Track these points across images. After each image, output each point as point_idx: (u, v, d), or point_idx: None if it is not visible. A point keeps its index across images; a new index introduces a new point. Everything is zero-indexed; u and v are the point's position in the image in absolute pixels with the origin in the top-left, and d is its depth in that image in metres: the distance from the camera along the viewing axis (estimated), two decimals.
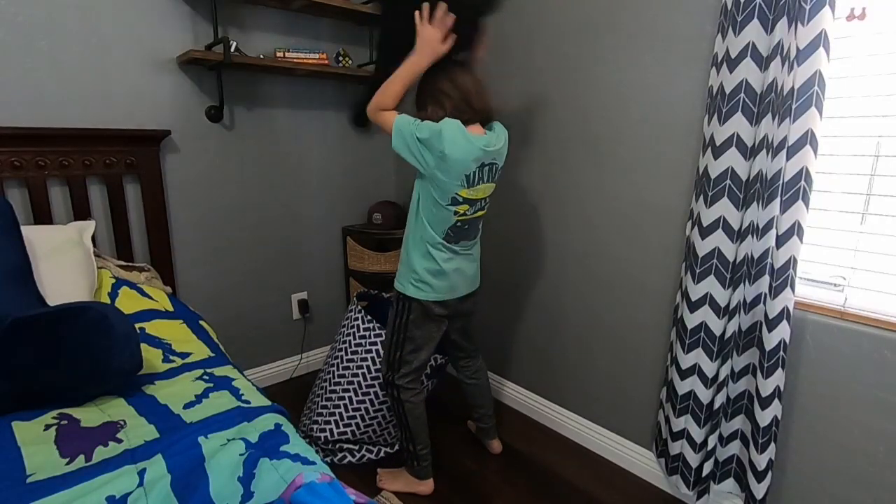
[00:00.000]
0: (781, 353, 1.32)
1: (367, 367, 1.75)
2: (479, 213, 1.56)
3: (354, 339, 1.79)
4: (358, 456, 1.82)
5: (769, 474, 1.39)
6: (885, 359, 1.23)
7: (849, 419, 1.31)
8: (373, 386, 1.75)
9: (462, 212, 1.48)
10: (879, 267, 1.27)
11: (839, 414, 1.33)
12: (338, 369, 1.80)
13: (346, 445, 1.81)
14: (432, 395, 1.90)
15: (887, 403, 1.24)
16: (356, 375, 1.76)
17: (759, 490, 1.39)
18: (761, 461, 1.38)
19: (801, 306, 1.37)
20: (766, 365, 1.33)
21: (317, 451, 1.75)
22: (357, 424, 1.77)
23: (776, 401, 1.34)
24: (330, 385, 1.81)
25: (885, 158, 1.24)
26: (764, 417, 1.35)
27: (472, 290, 1.66)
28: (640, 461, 1.81)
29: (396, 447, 1.89)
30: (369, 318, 1.79)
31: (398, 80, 1.44)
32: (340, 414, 1.77)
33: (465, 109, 1.43)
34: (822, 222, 1.35)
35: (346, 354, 1.79)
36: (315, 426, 1.80)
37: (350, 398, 1.76)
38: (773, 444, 1.37)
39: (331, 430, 1.77)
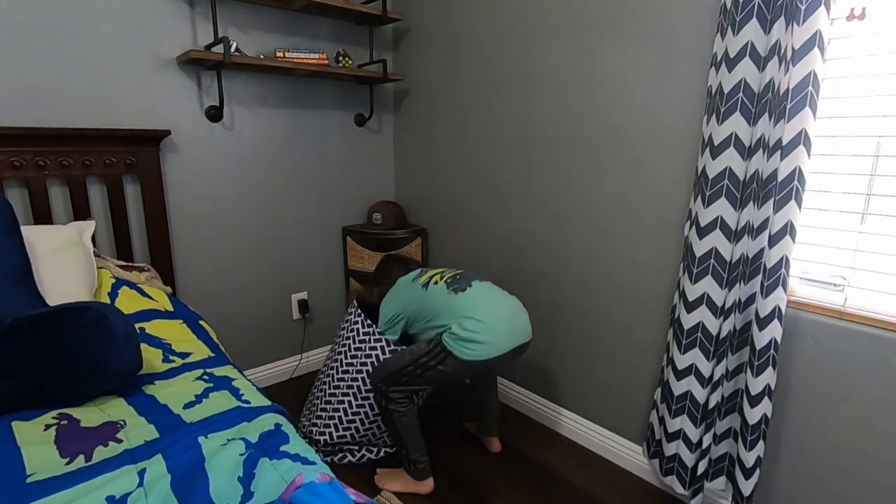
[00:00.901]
0: (772, 351, 1.32)
1: (367, 371, 1.74)
2: (455, 271, 1.71)
3: (354, 342, 1.79)
4: (358, 455, 1.83)
5: (757, 471, 1.40)
6: (886, 359, 1.23)
7: (849, 419, 1.31)
8: (367, 398, 1.75)
9: (437, 280, 1.66)
10: (879, 267, 1.27)
11: (839, 413, 1.33)
12: (337, 372, 1.80)
13: (346, 447, 1.82)
14: (430, 394, 1.90)
15: (888, 403, 1.24)
16: (356, 379, 1.75)
17: (746, 487, 1.40)
18: (749, 458, 1.38)
19: (801, 306, 1.37)
20: (756, 363, 1.33)
21: (316, 452, 1.75)
22: (357, 428, 1.77)
23: (766, 399, 1.35)
24: (329, 388, 1.81)
25: (885, 158, 1.24)
26: (753, 415, 1.36)
27: (524, 342, 1.58)
28: (638, 460, 1.81)
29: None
30: (369, 322, 1.79)
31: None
32: (340, 417, 1.76)
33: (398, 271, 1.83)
34: (822, 222, 1.35)
35: (346, 357, 1.79)
36: (314, 429, 1.80)
37: (350, 402, 1.75)
38: (761, 442, 1.38)
39: (330, 433, 1.77)
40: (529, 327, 1.62)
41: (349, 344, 1.80)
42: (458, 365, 1.49)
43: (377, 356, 1.74)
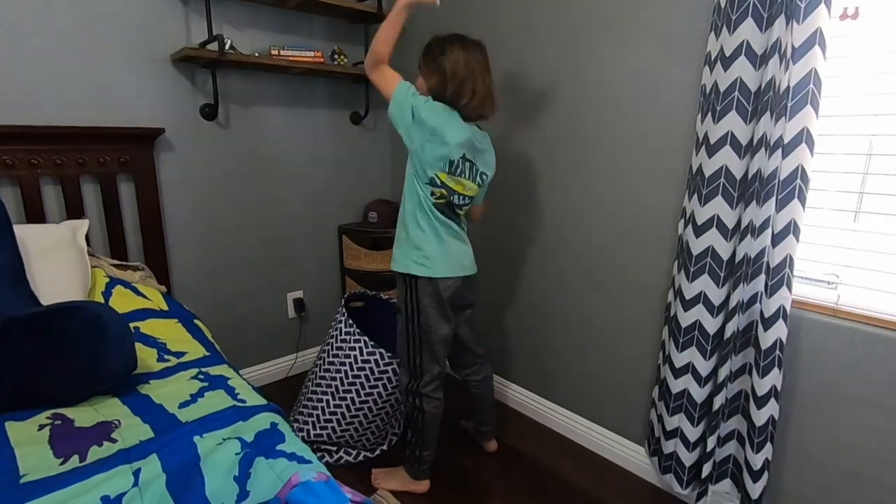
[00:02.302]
0: (777, 352, 1.31)
1: (345, 371, 1.72)
2: (460, 206, 1.56)
3: (336, 341, 1.77)
4: (335, 457, 1.82)
5: (765, 474, 1.38)
6: (879, 356, 1.24)
7: (843, 416, 1.32)
8: (349, 391, 1.72)
9: (438, 195, 1.51)
10: (872, 265, 1.27)
11: (834, 411, 1.33)
12: (320, 370, 1.80)
13: (323, 446, 1.81)
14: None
15: (881, 400, 1.25)
16: (335, 379, 1.74)
17: (755, 490, 1.39)
18: (757, 461, 1.37)
19: (795, 304, 1.37)
20: (762, 364, 1.33)
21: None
22: (333, 428, 1.76)
23: (773, 400, 1.34)
24: (312, 385, 1.81)
25: (878, 157, 1.25)
26: (760, 417, 1.35)
27: (472, 273, 1.65)
28: (636, 459, 1.82)
29: (377, 452, 1.88)
30: (351, 322, 1.76)
31: (387, 24, 1.44)
32: (318, 416, 1.76)
33: (464, 94, 1.44)
34: (815, 220, 1.36)
35: (328, 357, 1.78)
36: (295, 424, 1.80)
37: (328, 401, 1.75)
38: (769, 444, 1.37)
39: (308, 430, 1.77)
40: (473, 259, 1.65)
41: (332, 343, 1.79)
42: (425, 292, 1.52)
43: (355, 357, 1.71)
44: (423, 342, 1.57)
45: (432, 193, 1.50)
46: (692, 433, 1.50)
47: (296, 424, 1.80)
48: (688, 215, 1.46)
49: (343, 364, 1.73)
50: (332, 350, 1.78)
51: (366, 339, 1.71)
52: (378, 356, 1.69)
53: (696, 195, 1.41)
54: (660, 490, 1.74)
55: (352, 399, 1.72)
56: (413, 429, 1.64)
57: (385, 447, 1.91)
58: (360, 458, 1.84)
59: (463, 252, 1.60)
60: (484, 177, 1.58)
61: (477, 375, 1.84)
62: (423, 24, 2.36)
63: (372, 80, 1.48)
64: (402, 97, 1.43)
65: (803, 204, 1.24)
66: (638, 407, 1.79)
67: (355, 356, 1.71)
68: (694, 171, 1.42)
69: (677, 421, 1.54)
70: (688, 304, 1.46)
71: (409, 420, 1.65)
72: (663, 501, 1.69)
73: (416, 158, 1.47)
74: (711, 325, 1.42)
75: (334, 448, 1.82)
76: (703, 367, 1.45)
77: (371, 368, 1.70)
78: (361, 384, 1.71)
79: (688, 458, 1.53)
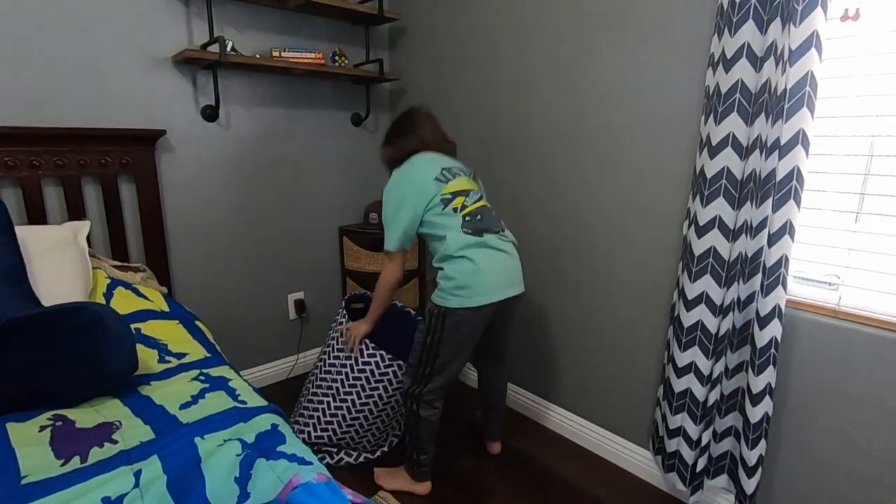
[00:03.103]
0: (773, 350, 1.32)
1: (346, 373, 1.71)
2: (480, 202, 1.60)
3: (337, 343, 1.76)
4: (336, 458, 1.82)
5: (759, 470, 1.40)
6: (880, 357, 1.24)
7: (843, 417, 1.32)
8: (350, 394, 1.71)
9: (460, 204, 1.54)
10: (874, 266, 1.27)
11: (834, 412, 1.33)
12: (321, 372, 1.79)
13: (324, 448, 1.81)
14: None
15: (882, 401, 1.25)
16: (335, 381, 1.73)
17: (749, 485, 1.41)
18: (752, 457, 1.39)
19: (796, 305, 1.37)
20: (757, 362, 1.34)
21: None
22: (333, 430, 1.75)
23: (767, 398, 1.36)
24: (313, 387, 1.80)
25: (879, 158, 1.24)
26: (755, 414, 1.36)
27: (516, 293, 1.57)
28: (637, 460, 1.82)
29: (378, 453, 1.88)
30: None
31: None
32: (318, 417, 1.76)
33: (419, 144, 1.66)
34: (816, 221, 1.36)
35: (329, 358, 1.78)
36: (295, 426, 1.80)
37: (329, 403, 1.74)
38: (763, 441, 1.38)
39: (309, 432, 1.77)
40: (519, 277, 1.61)
41: (333, 345, 1.78)
42: (456, 322, 1.49)
43: (356, 359, 1.70)
44: (438, 357, 1.55)
45: (454, 209, 1.54)
46: (694, 432, 1.51)
47: (296, 426, 1.80)
48: (691, 216, 1.46)
49: (344, 366, 1.73)
50: (333, 352, 1.77)
51: (367, 341, 1.70)
52: (378, 358, 1.69)
53: (698, 196, 1.41)
54: (661, 492, 1.74)
55: (352, 401, 1.72)
56: (410, 433, 1.64)
57: (386, 448, 1.90)
58: (361, 459, 1.84)
59: (504, 273, 1.54)
60: (464, 172, 1.65)
61: (497, 375, 1.83)
62: (423, 22, 2.37)
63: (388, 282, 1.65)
64: (398, 231, 1.58)
65: (799, 205, 1.25)
66: (640, 409, 1.79)
67: (356, 358, 1.71)
68: (697, 172, 1.43)
69: (680, 420, 1.55)
70: (690, 304, 1.46)
71: (406, 423, 1.65)
72: (665, 503, 1.69)
73: (423, 208, 1.56)
74: (713, 324, 1.43)
75: (335, 450, 1.82)
76: (706, 366, 1.46)
77: (372, 371, 1.69)
78: (362, 386, 1.70)
79: (690, 456, 1.53)
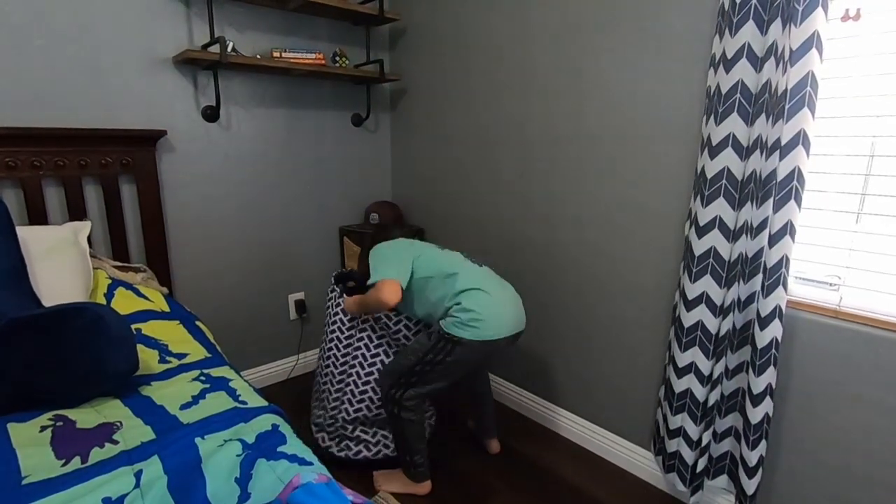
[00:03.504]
0: (773, 350, 1.32)
1: (365, 345, 1.76)
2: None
3: (346, 315, 1.79)
4: (374, 451, 1.79)
5: (760, 470, 1.40)
6: (880, 357, 1.24)
7: (844, 417, 1.32)
8: (377, 355, 1.76)
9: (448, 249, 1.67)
10: (874, 266, 1.27)
11: (834, 412, 1.33)
12: (339, 350, 1.79)
13: (360, 428, 1.78)
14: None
15: (882, 402, 1.25)
16: (359, 349, 1.76)
17: (750, 486, 1.41)
18: (752, 457, 1.39)
19: (797, 305, 1.37)
20: (757, 363, 1.34)
21: (337, 438, 1.78)
22: (370, 398, 1.75)
23: (767, 398, 1.35)
24: (335, 368, 1.79)
25: (880, 158, 1.24)
26: (755, 414, 1.36)
27: (522, 329, 1.60)
28: (637, 460, 1.81)
29: (392, 448, 1.86)
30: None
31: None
32: (352, 391, 1.76)
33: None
34: (817, 222, 1.36)
35: (342, 333, 1.79)
36: (322, 413, 1.81)
37: (357, 373, 1.75)
38: (764, 441, 1.38)
39: (346, 410, 1.76)
40: (524, 316, 1.63)
41: (340, 318, 1.80)
42: (464, 352, 1.49)
43: (371, 327, 1.75)
44: (431, 374, 1.55)
45: (450, 250, 1.71)
46: (694, 432, 1.51)
47: (324, 413, 1.80)
48: (692, 216, 1.46)
49: (364, 330, 1.76)
50: (345, 325, 1.78)
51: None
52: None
53: (698, 196, 1.41)
54: (662, 493, 1.73)
55: (381, 362, 1.75)
56: (396, 437, 1.64)
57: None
58: (380, 455, 1.80)
59: (512, 307, 1.57)
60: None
61: (480, 375, 1.85)
62: (423, 23, 2.37)
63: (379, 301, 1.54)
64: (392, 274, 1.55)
65: (799, 205, 1.25)
66: (640, 409, 1.79)
67: (371, 325, 1.74)
68: (698, 172, 1.43)
69: (680, 420, 1.54)
70: (690, 305, 1.46)
71: (392, 428, 1.64)
72: (665, 503, 1.69)
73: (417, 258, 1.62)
74: (713, 325, 1.43)
75: (370, 431, 1.79)
76: (706, 366, 1.45)
77: (385, 324, 1.75)
78: (388, 343, 1.76)
79: (690, 456, 1.53)
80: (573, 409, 2.03)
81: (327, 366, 1.83)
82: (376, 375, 1.74)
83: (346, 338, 1.78)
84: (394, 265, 1.57)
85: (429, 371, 1.54)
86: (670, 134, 1.57)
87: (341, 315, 1.80)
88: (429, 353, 1.53)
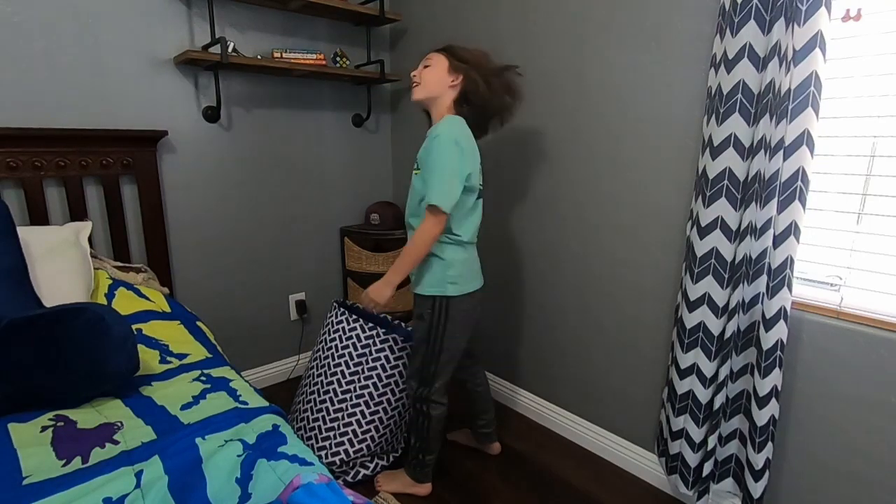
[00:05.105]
0: (779, 352, 1.32)
1: (378, 374, 1.68)
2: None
3: (356, 349, 1.69)
4: (371, 467, 1.76)
5: (766, 473, 1.39)
6: (882, 358, 1.24)
7: (846, 418, 1.31)
8: (385, 394, 1.69)
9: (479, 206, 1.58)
10: (876, 267, 1.27)
11: (836, 413, 1.33)
12: (340, 385, 1.68)
13: (360, 460, 1.72)
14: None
15: (884, 402, 1.25)
16: (366, 387, 1.67)
17: (756, 489, 1.40)
18: (759, 460, 1.38)
19: (798, 306, 1.37)
20: (763, 364, 1.33)
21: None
22: (372, 437, 1.69)
23: (773, 400, 1.35)
24: (334, 404, 1.68)
25: (881, 158, 1.24)
26: (761, 417, 1.36)
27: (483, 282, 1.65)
28: (639, 462, 1.81)
29: (391, 459, 1.83)
30: (371, 325, 1.70)
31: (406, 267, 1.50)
32: (354, 431, 1.67)
33: (480, 109, 1.52)
34: (818, 222, 1.36)
35: (349, 368, 1.68)
36: (324, 452, 1.67)
37: (362, 412, 1.67)
38: (770, 444, 1.37)
39: (345, 450, 1.67)
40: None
41: (349, 352, 1.69)
42: (461, 310, 1.52)
43: (386, 357, 1.68)
44: (444, 350, 1.55)
45: (479, 206, 1.57)
46: (697, 434, 1.50)
47: (325, 452, 1.67)
48: (694, 217, 1.46)
49: (374, 369, 1.67)
50: (353, 359, 1.68)
51: (393, 336, 1.70)
52: (392, 342, 1.70)
53: (700, 197, 1.41)
54: (666, 495, 1.73)
55: (387, 401, 1.69)
56: (417, 434, 1.63)
57: (397, 453, 1.86)
58: (378, 469, 1.77)
59: (478, 264, 1.63)
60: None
61: (478, 375, 1.84)
62: (424, 23, 2.37)
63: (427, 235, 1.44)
64: (445, 188, 1.39)
65: (804, 205, 1.25)
66: (644, 411, 1.79)
67: (385, 356, 1.68)
68: (700, 173, 1.42)
69: (682, 422, 1.54)
70: (692, 306, 1.45)
71: (414, 425, 1.63)
72: None
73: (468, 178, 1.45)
74: (716, 326, 1.42)
75: (369, 458, 1.74)
76: (708, 368, 1.45)
77: (387, 356, 1.70)
78: (396, 382, 1.70)
79: (693, 458, 1.53)
80: (576, 410, 2.02)
81: (323, 400, 1.70)
82: (380, 414, 1.69)
83: (352, 373, 1.68)
84: (449, 179, 1.38)
85: (441, 350, 1.54)
86: (671, 134, 1.57)
87: (352, 349, 1.69)
88: (431, 331, 1.53)
